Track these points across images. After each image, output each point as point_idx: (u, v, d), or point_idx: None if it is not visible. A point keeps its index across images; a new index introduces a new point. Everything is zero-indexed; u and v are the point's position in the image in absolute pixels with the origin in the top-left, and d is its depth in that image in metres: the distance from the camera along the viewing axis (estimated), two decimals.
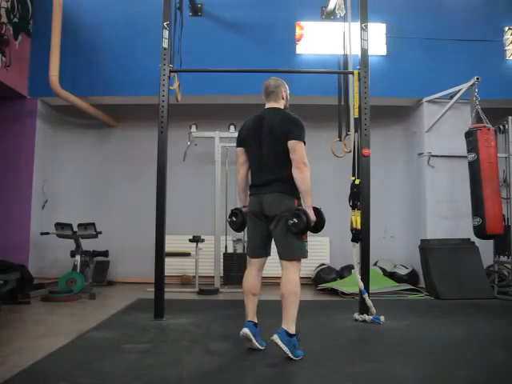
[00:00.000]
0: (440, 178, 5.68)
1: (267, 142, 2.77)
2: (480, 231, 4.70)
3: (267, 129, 2.77)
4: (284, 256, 2.73)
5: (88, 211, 6.05)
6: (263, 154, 2.78)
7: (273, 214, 2.71)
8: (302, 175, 2.68)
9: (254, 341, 2.70)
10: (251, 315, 2.78)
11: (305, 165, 2.68)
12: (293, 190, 2.72)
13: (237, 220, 2.92)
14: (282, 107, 2.90)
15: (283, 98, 2.91)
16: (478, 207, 4.71)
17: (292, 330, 2.59)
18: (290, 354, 2.55)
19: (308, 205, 2.70)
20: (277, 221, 2.70)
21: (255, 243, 2.84)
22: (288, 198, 2.71)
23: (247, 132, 2.87)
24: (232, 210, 2.99)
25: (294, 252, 2.72)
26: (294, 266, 2.71)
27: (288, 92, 2.96)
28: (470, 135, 4.78)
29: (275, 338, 2.55)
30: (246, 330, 2.69)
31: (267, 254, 2.86)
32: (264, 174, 2.77)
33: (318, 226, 2.77)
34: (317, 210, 2.76)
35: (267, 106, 2.91)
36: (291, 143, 2.70)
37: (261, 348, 2.74)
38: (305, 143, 2.75)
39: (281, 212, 2.68)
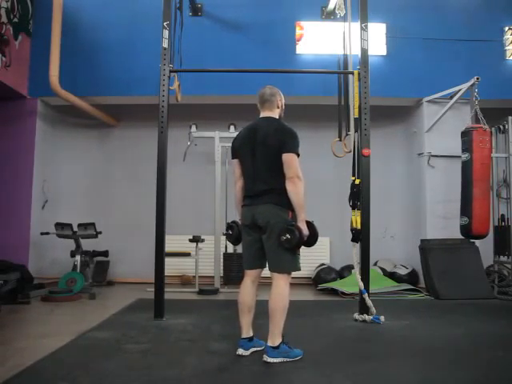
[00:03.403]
0: (440, 177, 5.68)
1: (261, 153, 2.72)
2: (466, 231, 4.80)
3: (261, 139, 2.73)
4: (275, 269, 2.68)
5: (88, 211, 6.05)
6: (257, 165, 2.73)
7: (266, 225, 2.65)
8: (295, 189, 2.61)
9: (251, 351, 2.73)
10: (246, 330, 2.75)
11: (299, 178, 2.62)
12: (287, 202, 2.65)
13: (233, 233, 2.89)
14: (277, 116, 2.86)
15: (278, 107, 2.87)
16: (466, 207, 4.80)
17: (277, 342, 2.59)
18: (287, 360, 2.57)
19: (301, 219, 2.63)
20: (269, 232, 2.65)
21: (249, 255, 2.79)
22: (282, 210, 2.66)
23: (241, 142, 2.84)
24: (228, 223, 2.96)
25: (285, 265, 2.68)
26: (285, 279, 2.66)
27: (283, 101, 2.91)
28: (466, 135, 4.83)
29: (265, 358, 2.57)
30: (241, 351, 2.70)
31: (262, 265, 2.80)
32: (257, 185, 2.73)
33: (312, 240, 2.70)
34: (310, 224, 2.68)
35: (262, 114, 2.87)
36: (285, 156, 2.64)
37: (260, 348, 2.74)
38: (298, 155, 2.69)
39: (274, 223, 2.63)
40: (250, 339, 2.76)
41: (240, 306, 2.77)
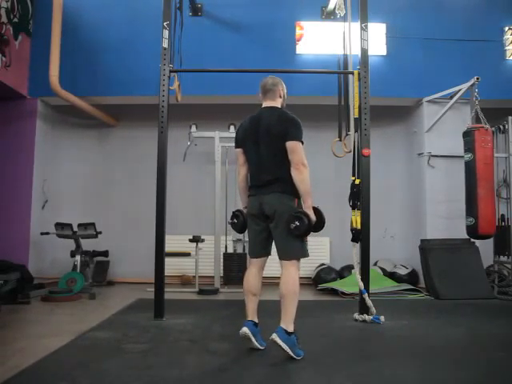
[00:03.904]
0: (440, 177, 5.68)
1: (265, 143, 2.76)
2: (472, 231, 4.77)
3: (264, 129, 2.76)
4: (284, 256, 2.73)
5: (88, 211, 6.05)
6: (261, 155, 2.77)
7: (273, 213, 2.70)
8: (301, 176, 2.67)
9: (253, 340, 2.70)
10: (251, 315, 2.77)
11: (304, 165, 2.68)
12: (292, 190, 2.71)
13: (238, 222, 2.94)
14: (279, 106, 2.89)
15: (280, 97, 2.90)
16: (471, 207, 4.76)
17: (290, 329, 2.59)
18: (291, 352, 2.55)
19: (308, 205, 2.69)
20: (277, 221, 2.70)
21: (256, 243, 2.85)
22: (288, 198, 2.71)
23: (245, 132, 2.87)
24: (233, 212, 2.99)
25: (294, 252, 2.73)
26: (294, 266, 2.72)
27: (285, 90, 2.95)
28: (468, 135, 4.81)
29: (274, 336, 2.55)
30: (245, 329, 2.69)
31: (268, 253, 2.86)
32: (263, 174, 2.77)
33: (318, 225, 2.76)
34: (316, 210, 2.75)
35: (264, 104, 2.89)
36: (289, 144, 2.69)
37: (261, 348, 2.74)
38: (303, 143, 2.74)
39: (281, 212, 2.68)
40: (255, 324, 2.76)
41: (245, 290, 2.81)
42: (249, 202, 2.86)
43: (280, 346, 2.53)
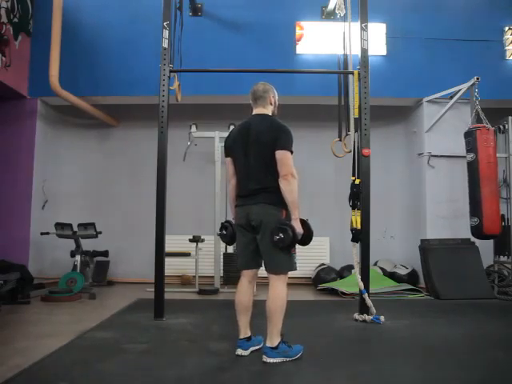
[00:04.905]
0: (440, 177, 5.68)
1: (253, 151, 2.67)
2: (477, 231, 4.73)
3: (253, 137, 2.68)
4: (271, 269, 2.65)
5: (88, 211, 6.05)
6: (250, 163, 2.68)
7: (259, 224, 2.61)
8: (289, 187, 2.56)
9: (249, 352, 2.71)
10: (243, 331, 2.73)
11: (293, 176, 2.57)
12: (280, 201, 2.60)
13: (227, 233, 2.84)
14: (270, 113, 2.82)
15: (271, 104, 2.83)
16: (475, 207, 4.73)
17: (275, 342, 2.57)
18: (288, 359, 2.56)
19: (295, 217, 2.58)
20: (263, 232, 2.61)
21: (245, 255, 2.75)
22: (275, 209, 2.61)
23: (234, 140, 2.80)
24: (222, 223, 2.91)
25: (281, 265, 2.63)
26: (281, 280, 2.63)
27: (276, 98, 2.88)
28: (470, 135, 4.79)
29: (264, 359, 2.56)
30: (240, 352, 2.68)
31: (258, 265, 2.77)
32: (250, 183, 2.68)
33: (306, 239, 2.66)
34: (304, 223, 2.64)
35: (254, 111, 2.82)
36: (278, 153, 2.59)
37: (259, 347, 2.74)
38: (292, 152, 2.64)
39: (266, 223, 2.59)
40: (248, 339, 2.75)
41: (237, 306, 2.75)
42: (236, 213, 2.78)
43: (274, 363, 2.53)
